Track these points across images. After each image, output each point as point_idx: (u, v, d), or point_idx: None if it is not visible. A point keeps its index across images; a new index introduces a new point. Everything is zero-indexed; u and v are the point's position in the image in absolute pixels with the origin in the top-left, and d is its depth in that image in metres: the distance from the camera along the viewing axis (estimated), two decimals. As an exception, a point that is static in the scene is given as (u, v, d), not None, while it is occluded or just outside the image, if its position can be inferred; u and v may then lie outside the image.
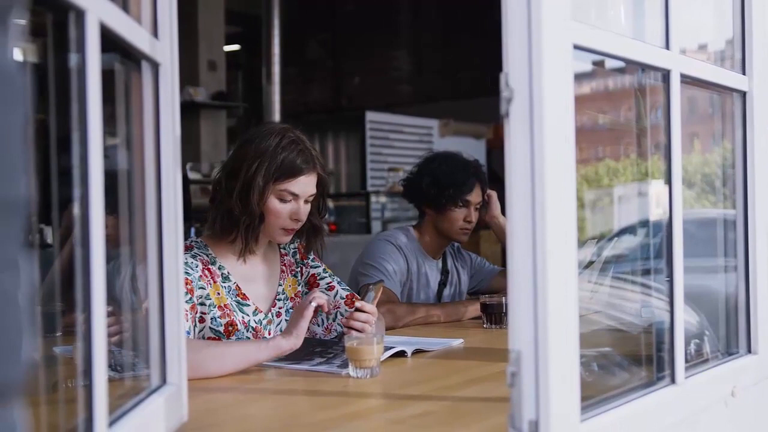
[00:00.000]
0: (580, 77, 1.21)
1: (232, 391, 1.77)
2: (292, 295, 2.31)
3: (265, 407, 1.66)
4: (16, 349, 0.53)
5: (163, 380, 1.32)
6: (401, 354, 2.05)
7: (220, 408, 1.62)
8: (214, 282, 2.14)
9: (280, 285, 2.30)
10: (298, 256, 2.36)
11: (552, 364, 1.12)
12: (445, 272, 3.08)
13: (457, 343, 2.29)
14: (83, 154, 0.95)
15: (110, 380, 1.02)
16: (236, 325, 2.14)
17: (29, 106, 0.57)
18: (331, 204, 7.54)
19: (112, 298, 1.07)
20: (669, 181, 1.47)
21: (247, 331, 2.17)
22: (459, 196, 2.91)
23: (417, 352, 2.12)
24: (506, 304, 2.58)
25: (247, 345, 1.95)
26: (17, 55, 0.56)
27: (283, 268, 2.33)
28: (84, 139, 0.95)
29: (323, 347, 2.07)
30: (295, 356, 1.96)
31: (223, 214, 2.15)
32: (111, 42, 1.07)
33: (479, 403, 1.62)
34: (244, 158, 2.13)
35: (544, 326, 1.12)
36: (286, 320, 2.26)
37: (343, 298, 2.31)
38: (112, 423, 1.04)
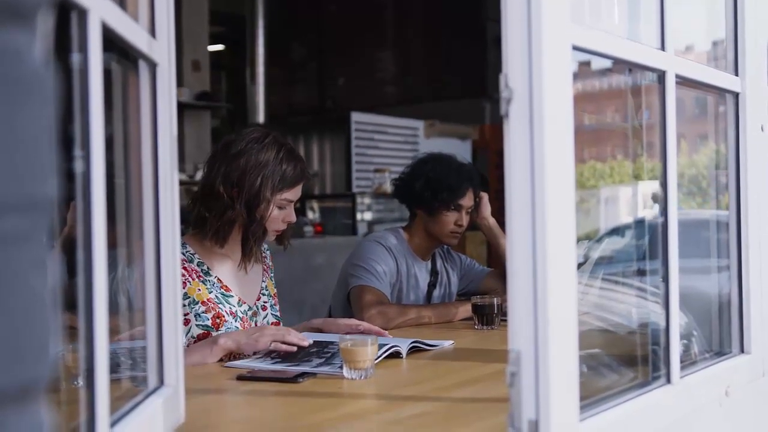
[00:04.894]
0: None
1: (228, 393, 1.76)
2: (274, 293, 2.40)
3: (261, 409, 1.65)
4: (45, 348, 0.53)
5: (161, 382, 1.31)
6: (396, 355, 2.05)
7: (217, 409, 1.62)
8: (193, 279, 2.18)
9: (263, 281, 2.37)
10: (271, 264, 2.46)
11: (552, 363, 1.12)
12: (434, 273, 3.07)
13: (448, 344, 2.29)
14: (86, 155, 0.94)
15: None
16: (223, 316, 2.18)
17: (57, 106, 0.56)
18: (316, 205, 7.53)
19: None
20: (664, 182, 1.48)
21: (235, 320, 2.21)
22: (452, 200, 2.89)
23: (413, 351, 2.12)
24: (497, 305, 2.58)
25: (195, 354, 1.98)
26: (44, 55, 0.56)
27: (265, 267, 2.41)
28: (86, 140, 0.94)
29: (319, 347, 2.06)
30: (292, 358, 1.96)
31: (226, 223, 2.18)
32: (109, 41, 1.06)
33: (476, 403, 1.62)
34: (244, 170, 2.16)
35: (544, 326, 1.12)
36: (272, 314, 2.35)
37: (269, 324, 2.38)
38: (112, 424, 1.04)
